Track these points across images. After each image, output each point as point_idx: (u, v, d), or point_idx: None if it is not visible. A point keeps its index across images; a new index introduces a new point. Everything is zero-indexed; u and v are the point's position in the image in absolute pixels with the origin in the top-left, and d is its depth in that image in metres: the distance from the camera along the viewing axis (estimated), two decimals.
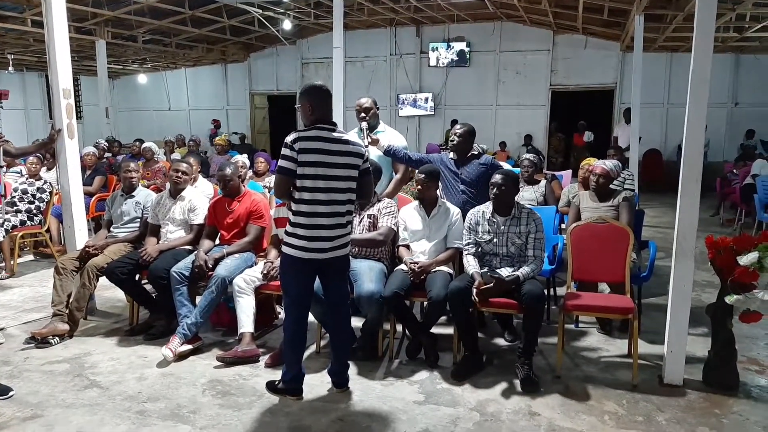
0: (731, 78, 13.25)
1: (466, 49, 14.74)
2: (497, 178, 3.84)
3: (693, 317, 3.61)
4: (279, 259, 3.44)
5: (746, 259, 3.27)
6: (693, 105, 3.41)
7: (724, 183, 9.33)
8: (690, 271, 3.47)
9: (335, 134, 3.17)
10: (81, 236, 4.81)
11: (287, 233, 3.21)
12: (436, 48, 14.91)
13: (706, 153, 12.19)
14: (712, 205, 9.64)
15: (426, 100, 15.36)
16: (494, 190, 3.84)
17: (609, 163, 4.78)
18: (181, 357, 3.89)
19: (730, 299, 3.34)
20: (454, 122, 14.33)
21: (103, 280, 4.43)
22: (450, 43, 14.80)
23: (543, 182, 5.89)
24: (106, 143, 10.02)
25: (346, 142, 3.20)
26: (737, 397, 3.41)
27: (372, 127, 4.55)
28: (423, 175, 4.09)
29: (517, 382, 3.56)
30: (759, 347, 4.14)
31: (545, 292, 4.26)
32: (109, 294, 5.14)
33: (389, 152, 4.47)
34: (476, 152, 4.50)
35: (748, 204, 7.75)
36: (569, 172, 8.02)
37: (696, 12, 3.36)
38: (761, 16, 9.54)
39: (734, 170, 9.06)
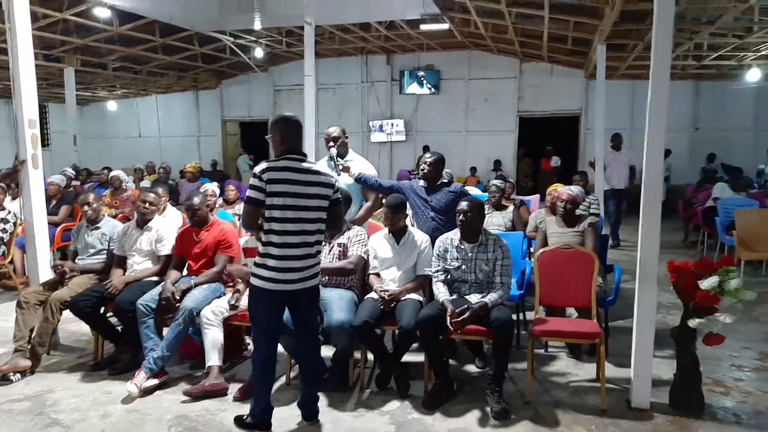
0: (692, 104, 13.71)
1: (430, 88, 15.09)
2: (463, 205, 3.89)
3: (659, 339, 3.67)
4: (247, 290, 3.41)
5: (707, 283, 3.35)
6: (652, 133, 3.51)
7: (686, 206, 9.56)
8: (653, 295, 3.54)
9: (305, 164, 3.19)
10: (44, 268, 4.71)
11: (256, 264, 3.19)
12: (411, 83, 15.20)
13: (668, 177, 12.54)
14: (677, 227, 9.87)
15: (392, 126, 15.53)
16: (460, 216, 3.88)
17: (575, 189, 4.88)
18: (146, 392, 3.80)
19: (692, 323, 3.42)
20: (425, 148, 14.49)
21: (68, 313, 4.32)
22: (422, 80, 15.08)
23: (511, 208, 5.97)
24: (73, 171, 9.85)
25: (316, 172, 3.22)
26: (703, 419, 3.46)
27: (340, 156, 4.59)
28: (388, 208, 4.12)
29: (487, 409, 3.56)
30: (724, 369, 4.22)
31: (515, 317, 4.31)
32: (73, 327, 5.01)
33: (360, 180, 4.51)
34: (446, 180, 4.56)
35: (710, 226, 7.94)
36: (537, 196, 8.14)
37: (653, 42, 3.48)
38: (717, 45, 9.93)
39: (697, 196, 9.29)
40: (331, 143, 4.58)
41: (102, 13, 9.72)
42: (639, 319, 3.56)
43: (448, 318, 3.62)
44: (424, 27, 11.65)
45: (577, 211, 4.89)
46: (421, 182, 4.51)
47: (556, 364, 4.36)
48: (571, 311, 4.61)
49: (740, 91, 12.85)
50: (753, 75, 11.27)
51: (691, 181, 11.81)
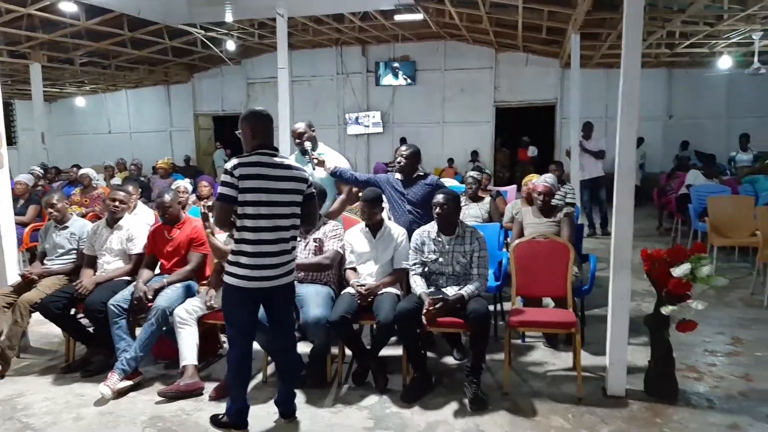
0: (665, 92, 13.85)
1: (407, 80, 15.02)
2: (439, 197, 3.87)
3: (634, 327, 3.71)
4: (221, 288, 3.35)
5: (679, 271, 3.38)
6: (624, 122, 3.52)
7: (661, 193, 9.67)
8: (627, 283, 3.57)
9: (277, 159, 3.14)
10: (12, 270, 4.60)
11: (229, 262, 3.14)
12: (387, 74, 15.14)
13: (643, 164, 12.67)
14: (652, 214, 10.00)
15: (369, 118, 15.45)
16: (437, 209, 3.87)
17: (550, 180, 4.87)
18: (120, 394, 3.73)
19: (665, 310, 3.45)
20: (402, 140, 14.46)
21: (38, 315, 4.21)
22: (397, 71, 15.02)
23: (488, 199, 5.97)
24: (41, 170, 9.63)
25: (289, 167, 3.17)
26: (677, 405, 3.50)
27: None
28: (365, 202, 4.09)
29: (466, 401, 3.57)
30: (697, 354, 4.28)
31: (492, 308, 4.31)
32: (44, 329, 4.90)
33: (336, 174, 4.46)
34: (422, 173, 4.54)
35: (684, 213, 8.05)
36: (514, 187, 8.17)
37: (623, 31, 3.49)
38: (689, 33, 10.03)
39: (671, 184, 9.39)
40: (298, 140, 4.52)
41: (68, 7, 9.44)
42: (613, 307, 3.59)
43: (424, 310, 3.60)
44: (398, 17, 11.59)
45: (553, 201, 4.90)
46: (398, 175, 4.48)
47: (534, 354, 4.39)
48: (548, 301, 4.63)
49: (712, 79, 13.00)
50: (724, 62, 11.41)
51: (665, 169, 11.95)
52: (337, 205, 4.61)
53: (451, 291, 3.82)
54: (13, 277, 4.56)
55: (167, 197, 4.29)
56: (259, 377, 3.97)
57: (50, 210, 4.60)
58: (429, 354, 4.15)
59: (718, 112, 13.64)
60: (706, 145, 12.92)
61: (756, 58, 9.92)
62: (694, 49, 11.20)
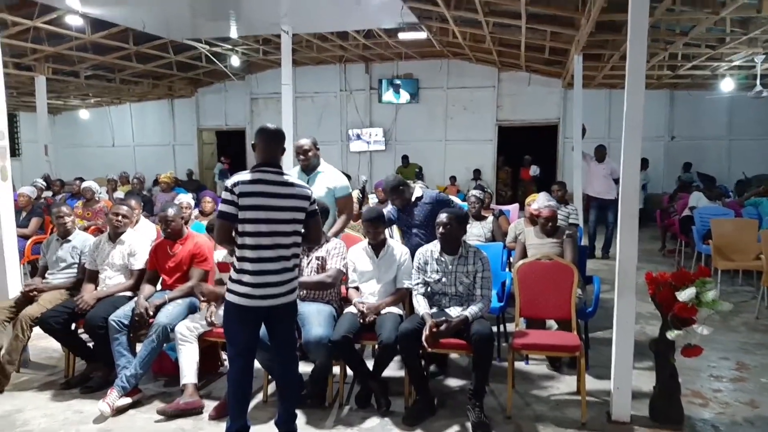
0: (667, 113, 13.88)
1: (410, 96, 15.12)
2: (442, 217, 3.85)
3: (639, 350, 3.67)
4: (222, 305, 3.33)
5: (684, 295, 3.36)
6: (628, 144, 3.53)
7: (663, 215, 9.64)
8: (632, 306, 3.54)
9: (279, 177, 3.13)
10: (14, 283, 4.57)
11: (231, 280, 3.12)
12: (388, 90, 15.21)
13: (646, 185, 12.65)
14: (654, 235, 9.97)
15: (370, 135, 15.47)
16: (440, 228, 3.85)
17: (553, 203, 4.84)
18: (119, 411, 3.69)
19: (671, 335, 3.42)
20: (404, 158, 14.50)
21: (39, 329, 4.18)
22: (398, 89, 15.10)
23: (490, 218, 5.96)
24: (44, 182, 9.64)
25: (291, 184, 3.17)
26: (682, 431, 3.46)
27: (312, 168, 4.55)
28: (365, 222, 4.09)
29: (468, 424, 3.52)
30: (702, 380, 4.23)
31: (495, 329, 4.28)
32: (44, 344, 4.85)
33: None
34: (420, 194, 4.55)
35: (687, 235, 8.02)
36: (516, 206, 8.15)
37: (628, 53, 3.50)
38: (692, 55, 10.08)
39: (674, 205, 9.36)
40: (302, 156, 4.53)
41: (74, 20, 9.52)
42: (618, 331, 3.56)
43: (425, 332, 3.57)
44: (402, 36, 11.65)
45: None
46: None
47: (537, 377, 4.34)
48: (551, 323, 4.60)
49: (714, 101, 13.05)
50: (726, 85, 11.46)
51: (668, 190, 11.93)
52: (339, 226, 4.60)
53: (454, 312, 3.79)
54: (15, 290, 4.54)
55: (170, 211, 4.28)
56: (260, 397, 3.93)
57: (65, 219, 4.59)
58: (440, 377, 4.16)
59: (720, 134, 13.66)
60: (707, 166, 12.92)
61: (758, 81, 9.96)
62: (697, 71, 11.25)
